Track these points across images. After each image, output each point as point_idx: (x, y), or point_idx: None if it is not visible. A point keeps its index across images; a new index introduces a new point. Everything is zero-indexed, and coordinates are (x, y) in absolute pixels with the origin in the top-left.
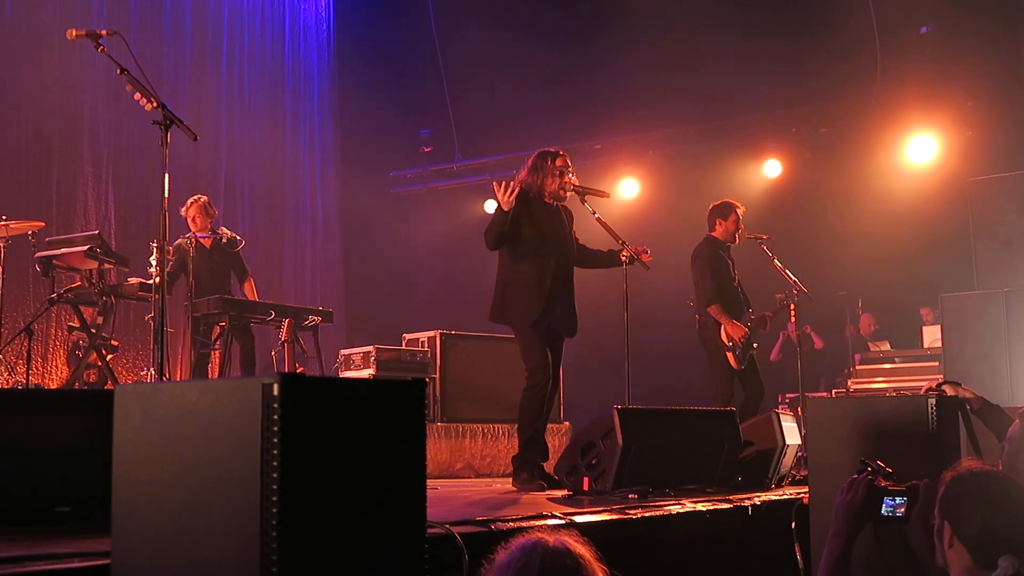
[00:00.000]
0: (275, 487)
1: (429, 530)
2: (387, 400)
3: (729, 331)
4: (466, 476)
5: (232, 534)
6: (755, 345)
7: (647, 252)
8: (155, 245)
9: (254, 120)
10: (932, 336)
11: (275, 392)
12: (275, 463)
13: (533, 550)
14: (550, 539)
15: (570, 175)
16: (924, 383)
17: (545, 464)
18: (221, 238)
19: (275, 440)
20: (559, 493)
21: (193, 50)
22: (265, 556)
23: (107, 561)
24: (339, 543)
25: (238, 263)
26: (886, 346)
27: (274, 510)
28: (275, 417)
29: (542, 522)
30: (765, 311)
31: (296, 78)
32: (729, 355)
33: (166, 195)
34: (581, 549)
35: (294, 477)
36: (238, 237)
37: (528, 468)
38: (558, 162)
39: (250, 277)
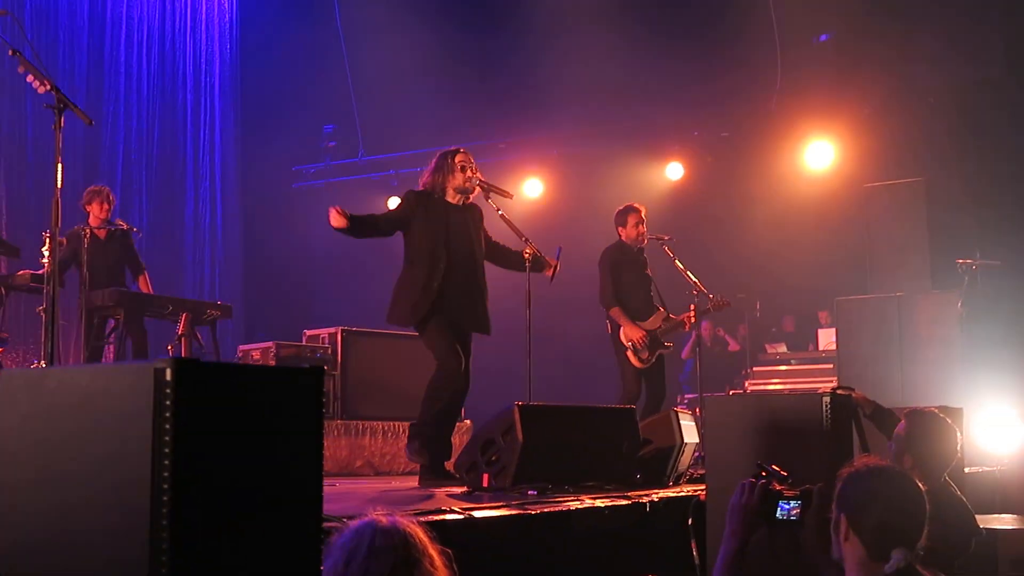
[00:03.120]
0: (167, 475)
1: (325, 523)
2: (284, 388)
3: (627, 332)
4: (365, 474)
5: (122, 524)
6: (668, 344)
7: (553, 267)
8: (47, 235)
9: (153, 111)
10: (827, 339)
11: (168, 377)
12: (167, 450)
13: (364, 530)
14: (383, 520)
15: (473, 170)
16: (819, 385)
17: (446, 462)
18: (117, 229)
19: (167, 427)
20: (458, 489)
21: (90, 39)
22: (155, 545)
23: None
24: (233, 533)
25: (133, 255)
26: (782, 348)
27: (165, 498)
28: (168, 403)
29: (441, 517)
30: (684, 313)
31: (198, 70)
32: (629, 355)
33: (58, 184)
34: (413, 528)
35: (187, 465)
36: (134, 228)
37: (436, 468)
38: (458, 158)
39: (145, 270)
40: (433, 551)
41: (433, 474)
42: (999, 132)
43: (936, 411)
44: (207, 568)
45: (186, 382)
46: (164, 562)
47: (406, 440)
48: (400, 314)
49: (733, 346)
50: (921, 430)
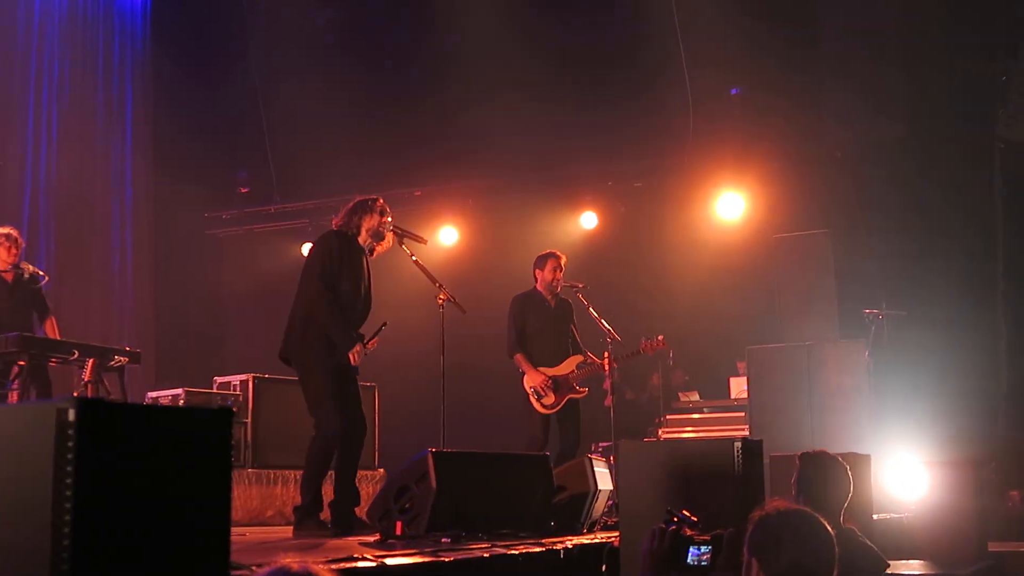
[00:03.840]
0: (68, 519)
1: (234, 571)
2: (191, 429)
3: (528, 378)
4: (276, 524)
5: (22, 569)
6: (582, 390)
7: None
8: None
9: (62, 153)
10: (739, 387)
11: (70, 417)
12: (69, 492)
13: None
14: (294, 566)
15: (391, 217)
16: (731, 433)
17: (357, 509)
18: (23, 273)
19: (69, 469)
20: (371, 537)
21: None
22: None
23: None
24: None
25: (39, 300)
26: (695, 396)
27: (65, 543)
28: (70, 444)
29: (353, 564)
30: (601, 359)
31: (109, 112)
32: (532, 400)
33: None
34: (326, 575)
35: (89, 509)
36: (41, 272)
37: (315, 518)
38: (378, 203)
39: (51, 315)
40: None
41: (317, 526)
42: (904, 186)
43: (825, 451)
44: None
45: (89, 423)
46: None
47: (295, 524)
48: (314, 355)
49: (629, 395)
50: (812, 471)
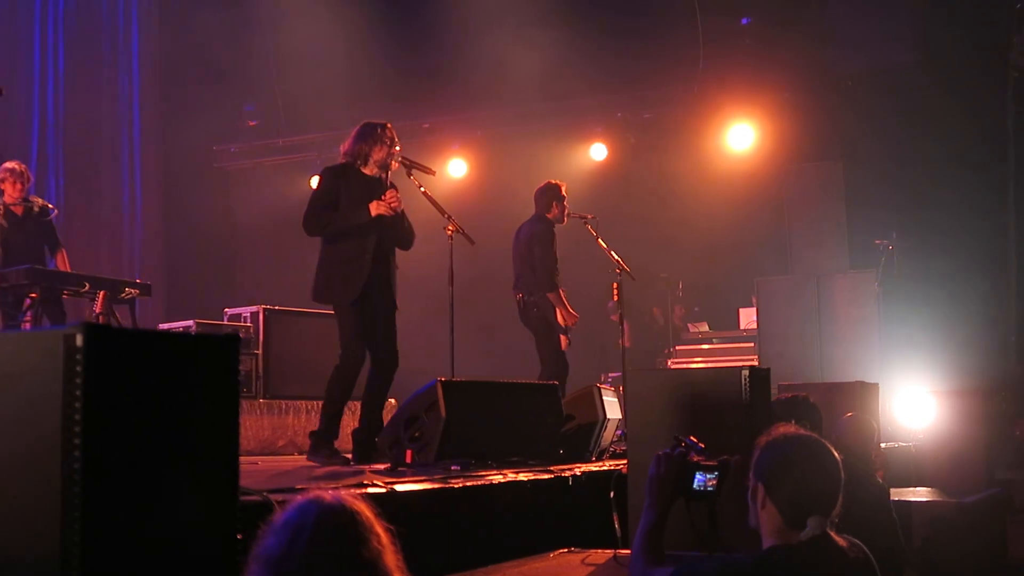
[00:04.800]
0: (77, 442)
1: (245, 496)
2: (199, 356)
3: (566, 316)
4: (288, 453)
5: (32, 496)
6: None
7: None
8: None
9: (70, 87)
10: (748, 318)
11: (78, 343)
12: (78, 417)
13: (308, 507)
14: (327, 496)
15: (398, 146)
16: (740, 363)
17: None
18: (33, 207)
19: (78, 393)
20: (381, 465)
21: (1, 11)
22: (68, 515)
23: None
24: (146, 504)
25: (50, 233)
26: (704, 327)
27: (76, 466)
28: (78, 369)
29: (363, 490)
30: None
31: (114, 47)
32: (562, 337)
33: None
34: (359, 506)
35: (99, 433)
36: (50, 206)
37: (328, 445)
38: (387, 131)
39: (63, 248)
40: (380, 528)
41: (330, 454)
42: (915, 116)
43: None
44: (120, 536)
45: (97, 349)
46: (76, 530)
47: (310, 448)
48: (332, 292)
49: (628, 343)
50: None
